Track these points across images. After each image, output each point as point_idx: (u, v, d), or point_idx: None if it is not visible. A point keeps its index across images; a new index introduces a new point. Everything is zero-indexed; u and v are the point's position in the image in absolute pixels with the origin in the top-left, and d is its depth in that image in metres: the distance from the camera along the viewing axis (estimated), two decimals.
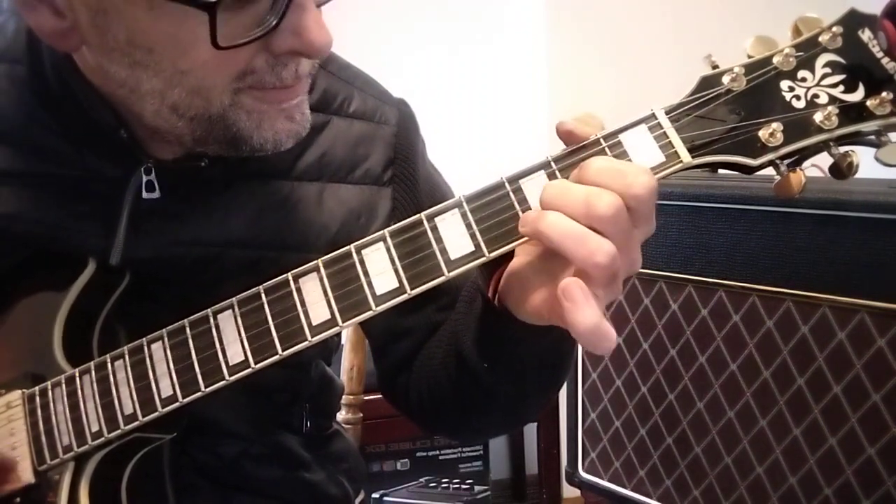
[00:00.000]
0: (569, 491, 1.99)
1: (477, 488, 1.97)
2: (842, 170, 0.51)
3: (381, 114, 0.76)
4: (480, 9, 2.10)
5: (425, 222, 0.54)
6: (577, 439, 1.53)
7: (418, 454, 1.88)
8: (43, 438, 0.64)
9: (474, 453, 2.02)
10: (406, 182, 0.76)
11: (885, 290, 1.08)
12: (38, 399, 0.65)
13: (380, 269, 0.54)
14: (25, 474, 0.65)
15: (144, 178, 0.65)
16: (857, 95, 0.51)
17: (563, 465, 1.84)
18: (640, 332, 1.39)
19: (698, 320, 1.30)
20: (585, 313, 0.47)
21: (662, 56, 1.99)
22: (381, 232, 0.55)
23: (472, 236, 0.53)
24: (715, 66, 0.54)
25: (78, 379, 0.63)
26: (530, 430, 2.15)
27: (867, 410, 1.11)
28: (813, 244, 1.15)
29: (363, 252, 0.55)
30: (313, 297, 0.56)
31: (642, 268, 1.53)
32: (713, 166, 0.53)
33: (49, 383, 0.65)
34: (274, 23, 0.52)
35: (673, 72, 1.96)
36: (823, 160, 0.53)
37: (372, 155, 0.74)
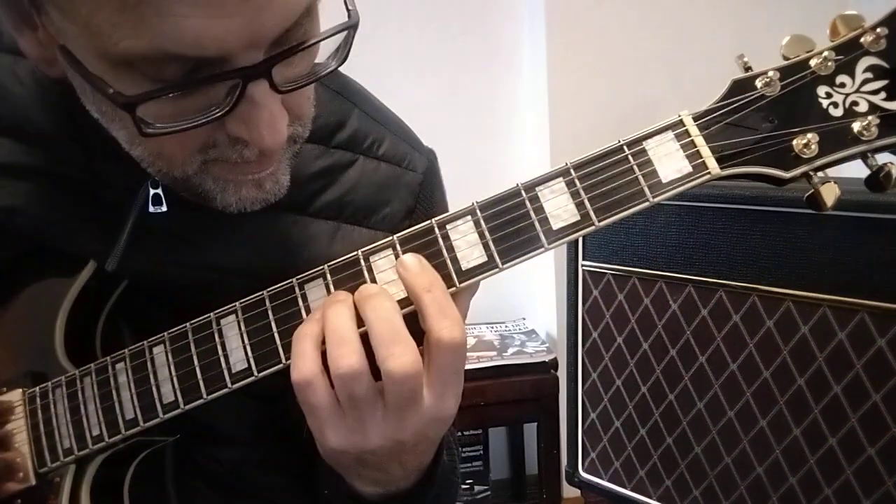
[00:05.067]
0: (569, 491, 1.99)
1: (477, 488, 1.97)
2: (879, 181, 0.49)
3: (410, 160, 0.74)
4: (481, 16, 2.10)
5: (436, 229, 0.53)
6: (577, 439, 1.53)
7: None
8: (44, 440, 0.64)
9: (474, 453, 2.02)
10: None
11: (885, 290, 1.08)
12: (38, 399, 0.65)
13: (387, 277, 0.54)
14: (26, 476, 0.64)
15: (151, 191, 0.64)
16: None
17: (563, 465, 1.84)
18: (640, 332, 1.39)
19: (698, 320, 1.30)
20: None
21: (661, 65, 1.99)
22: (390, 238, 0.54)
23: (486, 246, 0.52)
24: (748, 69, 0.50)
25: (79, 381, 0.63)
26: (530, 430, 2.15)
27: (867, 410, 1.12)
28: (813, 244, 1.15)
29: (371, 259, 0.54)
30: (318, 304, 0.55)
31: (642, 267, 1.52)
32: (742, 178, 0.50)
33: (50, 384, 0.64)
34: (219, 114, 0.49)
35: (672, 79, 1.97)
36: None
37: (394, 201, 0.72)
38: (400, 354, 0.50)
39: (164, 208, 0.64)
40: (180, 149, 0.53)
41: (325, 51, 0.54)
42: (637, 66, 2.00)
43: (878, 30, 0.49)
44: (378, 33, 1.98)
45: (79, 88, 0.55)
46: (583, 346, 1.49)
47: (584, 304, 1.47)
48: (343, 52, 0.54)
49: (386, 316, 0.51)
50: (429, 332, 0.51)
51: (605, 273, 1.42)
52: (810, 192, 0.50)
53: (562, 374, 1.88)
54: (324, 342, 0.53)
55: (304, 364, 0.52)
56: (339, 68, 0.77)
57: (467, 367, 2.12)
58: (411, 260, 0.53)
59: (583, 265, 1.46)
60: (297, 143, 0.59)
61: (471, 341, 1.99)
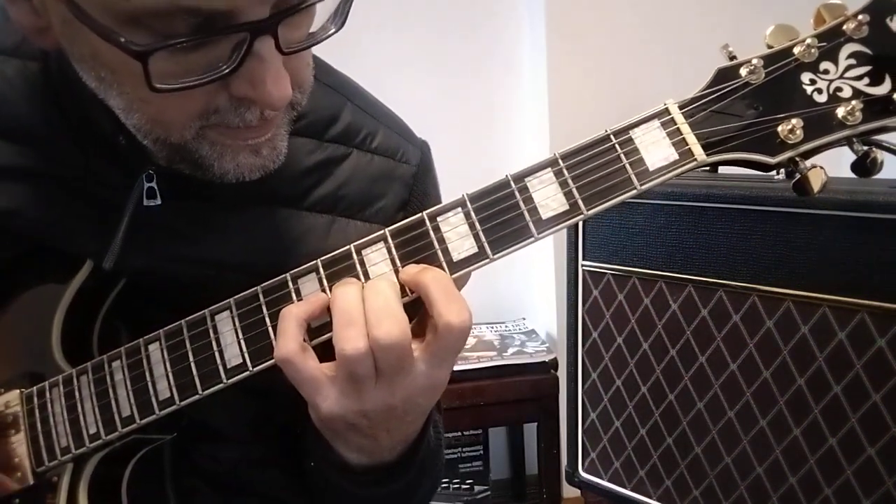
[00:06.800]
0: (569, 491, 1.99)
1: (477, 488, 1.97)
2: (865, 167, 0.49)
3: (404, 153, 0.75)
4: (482, 16, 2.10)
5: (427, 222, 0.54)
6: (577, 439, 1.53)
7: None
8: (41, 439, 0.64)
9: (474, 453, 2.02)
10: None
11: (885, 290, 1.08)
12: (36, 399, 0.65)
13: (380, 270, 0.54)
14: (24, 475, 0.64)
15: (146, 185, 0.64)
16: (883, 88, 0.48)
17: (563, 465, 1.84)
18: (640, 332, 1.39)
19: (698, 320, 1.30)
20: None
21: (661, 64, 1.99)
22: (381, 231, 0.55)
23: (476, 237, 0.52)
24: (732, 58, 0.51)
25: (75, 380, 0.63)
26: (530, 430, 2.15)
27: (867, 410, 1.12)
28: (813, 244, 1.15)
29: (363, 252, 0.55)
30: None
31: (642, 267, 1.52)
32: (729, 164, 0.51)
33: (47, 383, 0.64)
34: (226, 70, 0.50)
35: (672, 78, 1.97)
36: (825, 158, 0.52)
37: (388, 194, 0.73)
38: (387, 324, 0.51)
39: (158, 201, 0.64)
40: (181, 113, 0.53)
41: (321, 19, 0.55)
42: (637, 64, 2.00)
43: (860, 17, 0.49)
44: (379, 32, 1.99)
45: (76, 55, 0.54)
46: (583, 346, 1.49)
47: (584, 304, 1.47)
48: (341, 16, 0.54)
49: (380, 289, 0.52)
50: (438, 316, 0.51)
51: (605, 273, 1.42)
52: (797, 178, 0.50)
53: (562, 374, 1.88)
54: (323, 328, 0.54)
55: (284, 343, 0.53)
56: (335, 66, 0.77)
57: (467, 367, 2.11)
58: (411, 265, 0.54)
59: (583, 265, 1.46)
60: (295, 109, 0.59)
61: (471, 341, 1.99)
